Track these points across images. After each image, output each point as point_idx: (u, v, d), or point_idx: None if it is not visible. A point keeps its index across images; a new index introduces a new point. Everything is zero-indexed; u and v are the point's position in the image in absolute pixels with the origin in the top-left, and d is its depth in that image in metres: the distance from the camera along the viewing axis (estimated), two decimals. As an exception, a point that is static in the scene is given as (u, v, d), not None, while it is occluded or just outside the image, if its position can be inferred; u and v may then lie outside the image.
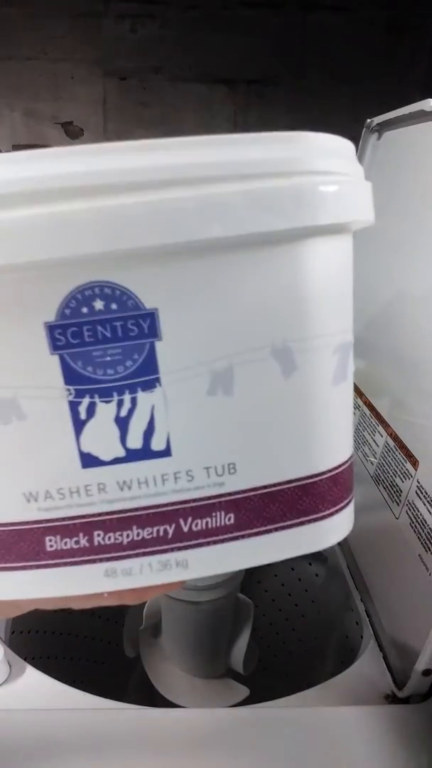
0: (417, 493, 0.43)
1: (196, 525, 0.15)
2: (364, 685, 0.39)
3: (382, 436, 0.51)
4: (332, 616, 0.61)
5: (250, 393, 0.15)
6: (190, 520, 0.15)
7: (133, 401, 0.14)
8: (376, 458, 0.51)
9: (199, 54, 1.77)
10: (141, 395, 0.14)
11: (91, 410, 0.14)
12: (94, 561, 0.15)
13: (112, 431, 0.14)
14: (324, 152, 0.18)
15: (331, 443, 0.16)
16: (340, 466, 0.17)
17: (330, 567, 0.63)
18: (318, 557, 0.67)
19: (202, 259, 0.14)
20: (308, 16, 1.73)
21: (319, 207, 0.15)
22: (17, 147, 1.88)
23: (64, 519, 0.14)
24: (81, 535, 0.14)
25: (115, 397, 0.14)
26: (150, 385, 0.14)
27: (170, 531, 0.15)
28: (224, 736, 0.32)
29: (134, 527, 0.15)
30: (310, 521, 0.16)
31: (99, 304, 0.13)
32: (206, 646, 0.52)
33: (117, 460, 0.14)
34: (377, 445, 0.52)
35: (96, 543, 0.14)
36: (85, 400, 0.14)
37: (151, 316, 0.13)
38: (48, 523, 0.14)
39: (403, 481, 0.46)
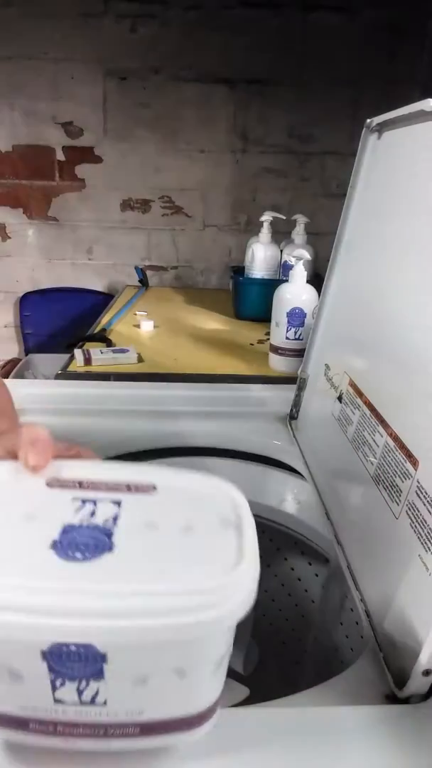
0: (417, 493, 0.43)
1: (114, 732, 0.28)
2: (364, 685, 0.39)
3: (382, 436, 0.51)
4: (332, 616, 0.61)
5: (158, 686, 0.27)
6: (111, 730, 0.28)
7: (87, 683, 0.26)
8: (376, 458, 0.51)
9: (199, 54, 1.77)
10: (92, 681, 0.26)
11: (62, 684, 0.26)
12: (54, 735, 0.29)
13: (74, 692, 0.26)
14: None
15: (198, 702, 0.28)
16: (203, 710, 0.28)
17: (330, 567, 0.63)
18: (318, 557, 0.67)
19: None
20: (308, 16, 1.73)
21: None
22: (17, 147, 1.88)
23: (43, 720, 0.28)
24: (51, 726, 0.28)
25: (77, 681, 0.26)
26: (98, 677, 0.26)
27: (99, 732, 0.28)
28: (224, 736, 0.32)
29: (80, 728, 0.28)
30: (182, 732, 0.29)
31: (73, 647, 0.25)
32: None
33: (75, 703, 0.27)
34: (377, 445, 0.52)
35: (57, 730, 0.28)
36: (58, 680, 0.26)
37: (103, 655, 0.25)
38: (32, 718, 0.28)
39: (403, 481, 0.46)
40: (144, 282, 1.86)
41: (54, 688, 0.26)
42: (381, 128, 0.57)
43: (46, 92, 1.82)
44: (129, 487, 0.31)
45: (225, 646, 0.28)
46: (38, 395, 0.77)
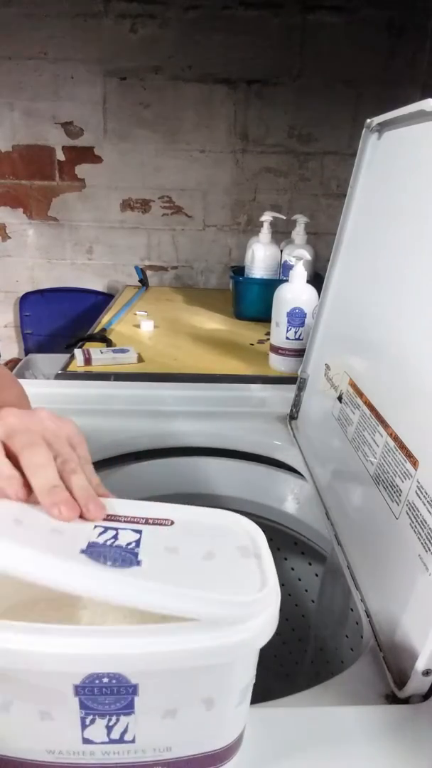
0: (417, 493, 0.43)
1: None
2: (364, 685, 0.39)
3: (382, 436, 0.51)
4: (332, 616, 0.61)
5: (187, 717, 0.26)
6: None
7: (117, 718, 0.26)
8: (376, 458, 0.51)
9: (199, 54, 1.77)
10: (122, 716, 0.26)
11: (92, 721, 0.26)
12: None
13: (103, 729, 0.26)
14: None
15: (224, 735, 0.28)
16: (229, 743, 0.29)
17: (330, 567, 0.63)
18: (318, 557, 0.67)
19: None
20: (308, 16, 1.73)
21: None
22: (17, 147, 1.88)
23: (72, 763, 0.27)
24: None
25: (107, 717, 0.26)
26: (128, 711, 0.25)
27: None
28: (224, 736, 0.32)
29: None
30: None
31: (105, 679, 0.25)
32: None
33: (104, 741, 0.26)
34: (377, 445, 0.52)
35: None
36: (89, 717, 0.25)
37: (134, 686, 0.25)
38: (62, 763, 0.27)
39: (403, 481, 0.46)
40: (144, 282, 1.86)
41: (84, 726, 0.26)
42: (381, 128, 0.57)
43: (46, 92, 1.82)
44: (147, 521, 0.31)
45: (251, 671, 0.28)
46: (38, 395, 0.76)
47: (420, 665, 0.36)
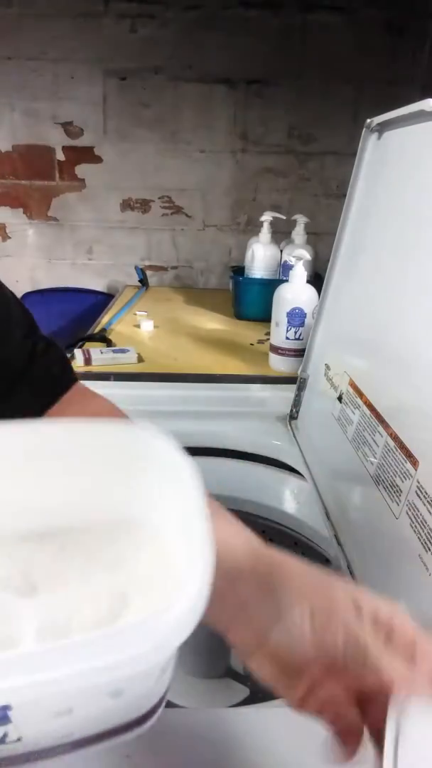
0: (417, 493, 0.43)
1: (38, 756, 0.25)
2: (364, 685, 0.39)
3: (382, 436, 0.51)
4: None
5: (87, 711, 0.23)
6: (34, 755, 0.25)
7: None
8: (376, 458, 0.51)
9: (199, 54, 1.77)
10: None
11: None
12: None
13: None
14: None
15: (143, 707, 0.25)
16: (149, 710, 0.26)
17: (330, 567, 0.63)
18: (318, 557, 0.67)
19: None
20: (308, 16, 1.73)
21: None
22: (17, 147, 1.88)
23: None
24: None
25: None
26: (2, 722, 0.21)
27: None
28: (224, 736, 0.32)
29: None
30: (123, 735, 0.26)
31: None
32: (206, 646, 0.52)
33: None
34: (377, 445, 0.52)
35: None
36: None
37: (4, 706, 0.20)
38: None
39: (403, 481, 0.46)
40: (144, 282, 1.86)
41: None
42: (381, 128, 0.57)
43: (46, 92, 1.82)
44: None
45: (169, 658, 0.24)
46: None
47: (420, 665, 0.36)
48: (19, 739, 0.22)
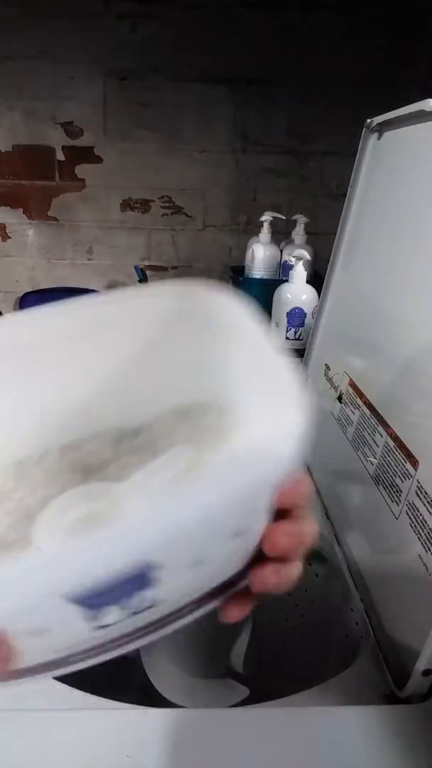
0: (417, 493, 0.43)
1: (169, 620, 0.25)
2: (364, 685, 0.39)
3: (382, 436, 0.51)
4: (332, 616, 0.61)
5: (216, 556, 0.22)
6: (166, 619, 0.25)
7: (132, 597, 0.20)
8: (376, 458, 0.51)
9: (199, 54, 1.76)
10: (140, 592, 0.20)
11: (102, 614, 0.20)
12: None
13: (118, 612, 0.20)
14: None
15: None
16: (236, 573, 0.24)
17: (330, 567, 0.63)
18: (318, 557, 0.67)
19: None
20: (308, 16, 1.73)
21: None
22: (17, 147, 1.88)
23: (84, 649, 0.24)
24: (95, 651, 0.25)
25: (120, 603, 0.20)
26: (148, 586, 0.20)
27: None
28: (224, 736, 0.32)
29: (129, 636, 0.24)
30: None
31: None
32: (206, 646, 0.52)
33: (121, 619, 0.21)
34: (377, 445, 0.52)
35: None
36: (95, 611, 0.20)
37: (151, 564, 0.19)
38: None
39: (403, 481, 0.46)
40: (144, 282, 1.86)
41: (93, 619, 0.20)
42: (381, 128, 0.57)
43: (46, 92, 1.82)
44: None
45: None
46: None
47: (420, 665, 0.36)
48: (156, 604, 0.21)
